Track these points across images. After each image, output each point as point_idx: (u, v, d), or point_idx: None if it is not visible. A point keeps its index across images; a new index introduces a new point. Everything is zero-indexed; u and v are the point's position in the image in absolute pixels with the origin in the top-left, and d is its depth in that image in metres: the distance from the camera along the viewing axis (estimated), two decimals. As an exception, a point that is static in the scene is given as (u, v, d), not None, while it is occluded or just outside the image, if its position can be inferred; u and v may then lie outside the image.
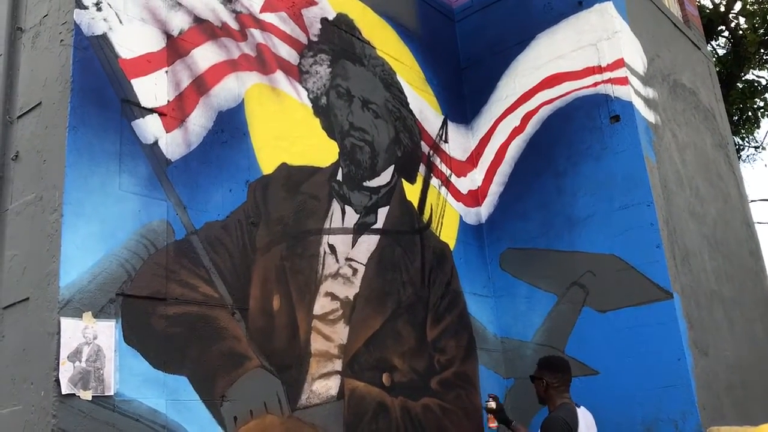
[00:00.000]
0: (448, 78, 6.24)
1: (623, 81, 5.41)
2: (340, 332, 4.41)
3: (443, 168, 5.79)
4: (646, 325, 4.95)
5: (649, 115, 5.56)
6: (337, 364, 4.31)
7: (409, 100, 5.63)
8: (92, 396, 3.08)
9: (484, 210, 6.03)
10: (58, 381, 2.98)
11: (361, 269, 4.69)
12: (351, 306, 4.53)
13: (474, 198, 6.04)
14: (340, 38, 5.17)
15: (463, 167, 6.06)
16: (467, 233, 5.81)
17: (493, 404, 4.20)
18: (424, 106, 5.82)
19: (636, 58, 5.64)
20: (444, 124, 5.99)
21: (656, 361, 4.85)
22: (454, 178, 5.88)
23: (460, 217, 5.81)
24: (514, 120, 5.99)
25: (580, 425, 3.82)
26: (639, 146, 5.24)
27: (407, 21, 5.94)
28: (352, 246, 4.69)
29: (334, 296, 4.44)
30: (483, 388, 5.32)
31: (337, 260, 4.55)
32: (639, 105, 5.43)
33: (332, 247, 4.54)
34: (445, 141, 5.93)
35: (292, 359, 4.07)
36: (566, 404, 3.94)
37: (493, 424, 4.20)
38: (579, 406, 3.99)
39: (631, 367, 4.94)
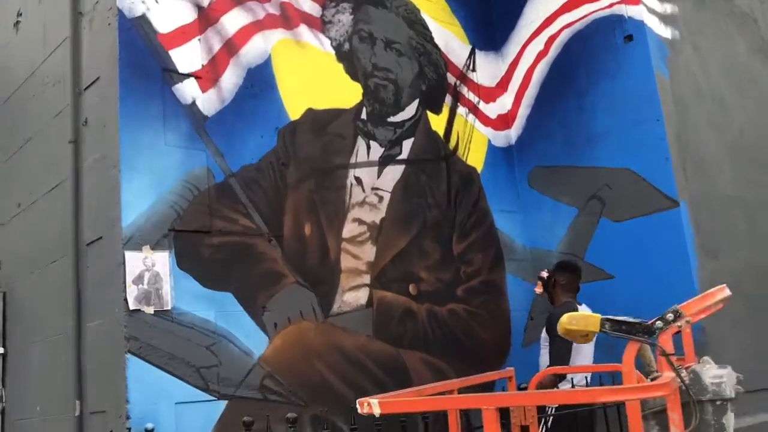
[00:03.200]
0: (475, 7, 6.58)
1: (636, 0, 5.62)
2: (368, 252, 5.11)
3: (470, 96, 6.24)
4: (655, 233, 5.38)
5: (665, 32, 5.75)
6: (366, 278, 5.05)
7: (434, 35, 6.06)
8: (154, 310, 3.97)
9: (514, 132, 6.47)
10: (126, 300, 3.87)
11: (387, 196, 5.32)
12: (378, 229, 5.20)
13: (504, 121, 6.47)
14: (361, -15, 5.64)
15: (493, 93, 6.47)
16: (496, 155, 6.29)
17: (545, 273, 4.97)
18: (450, 39, 6.23)
19: (652, -26, 5.80)
20: (471, 53, 6.39)
21: (663, 265, 5.30)
22: (482, 105, 6.32)
23: (489, 141, 6.29)
24: (539, 44, 6.32)
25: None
26: (650, 64, 5.50)
27: (430, -42, 6.30)
28: (378, 176, 5.32)
29: (361, 221, 5.13)
30: (511, 293, 5.94)
31: (364, 190, 5.20)
32: (652, 23, 5.64)
33: (358, 179, 5.19)
34: (473, 70, 6.35)
35: (324, 276, 4.83)
36: (568, 302, 4.57)
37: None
38: (581, 304, 4.61)
39: (641, 272, 5.40)
